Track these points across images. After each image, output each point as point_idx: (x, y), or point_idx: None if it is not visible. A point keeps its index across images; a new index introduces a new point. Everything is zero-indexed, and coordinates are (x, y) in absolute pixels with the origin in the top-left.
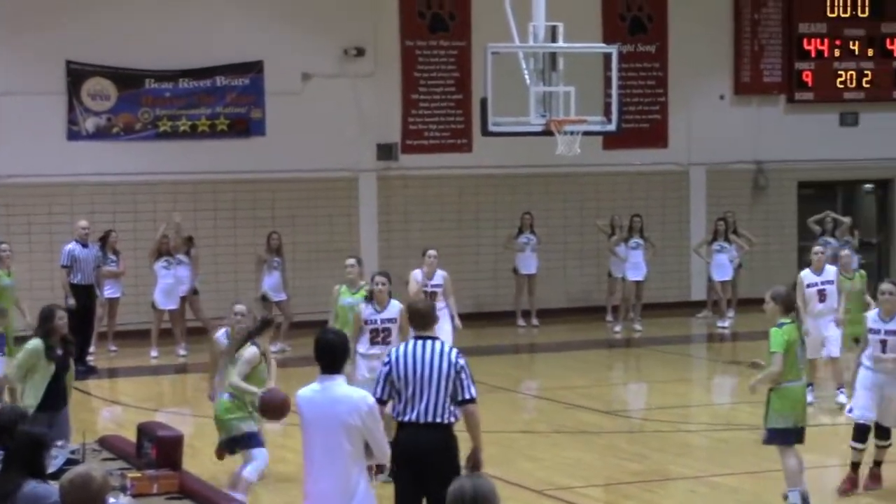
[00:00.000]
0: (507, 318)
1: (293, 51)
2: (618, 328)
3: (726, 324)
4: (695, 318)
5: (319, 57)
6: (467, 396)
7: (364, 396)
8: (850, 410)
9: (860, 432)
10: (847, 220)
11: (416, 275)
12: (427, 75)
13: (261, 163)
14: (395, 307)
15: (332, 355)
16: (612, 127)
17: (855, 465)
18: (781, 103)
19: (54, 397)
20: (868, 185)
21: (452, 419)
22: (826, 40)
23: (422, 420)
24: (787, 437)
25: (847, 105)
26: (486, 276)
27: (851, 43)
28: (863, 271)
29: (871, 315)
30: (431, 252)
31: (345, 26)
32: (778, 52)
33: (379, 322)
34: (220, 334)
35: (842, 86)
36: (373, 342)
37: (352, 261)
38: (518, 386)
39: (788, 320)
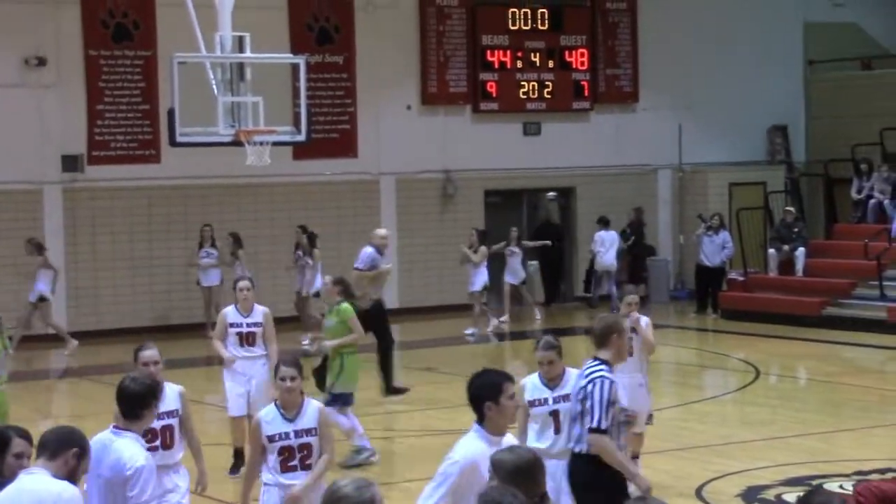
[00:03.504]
0: (198, 330)
1: None
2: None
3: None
4: None
5: None
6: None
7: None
8: None
9: None
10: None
11: (228, 314)
12: (112, 85)
13: None
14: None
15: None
16: (301, 137)
17: None
18: (467, 113)
19: None
20: (551, 193)
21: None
22: (508, 52)
23: None
24: None
25: (530, 115)
26: (179, 287)
27: (533, 55)
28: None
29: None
30: (243, 283)
31: (24, 35)
32: (463, 63)
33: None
34: None
35: (524, 96)
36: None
37: None
38: (203, 398)
39: None
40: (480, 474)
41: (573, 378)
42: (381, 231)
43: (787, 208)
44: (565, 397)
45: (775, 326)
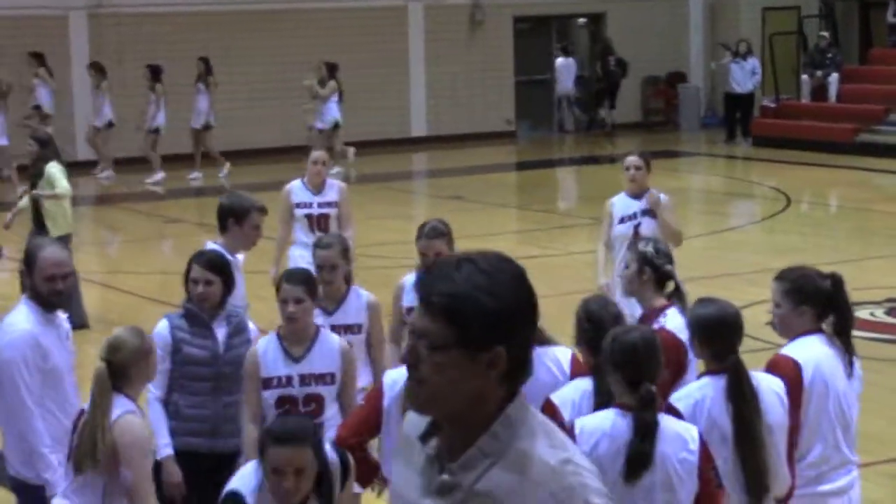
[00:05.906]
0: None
1: None
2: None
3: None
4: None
5: None
6: None
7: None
8: None
9: None
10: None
11: (294, 189)
12: None
13: None
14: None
15: None
16: None
17: None
18: None
19: None
20: (581, 19)
21: None
22: None
23: None
24: None
25: None
26: None
27: None
28: None
29: (618, 198)
30: (317, 154)
31: None
32: None
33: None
34: None
35: None
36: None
37: None
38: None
39: None
40: None
41: None
42: None
43: (822, 33)
44: None
45: (807, 153)
